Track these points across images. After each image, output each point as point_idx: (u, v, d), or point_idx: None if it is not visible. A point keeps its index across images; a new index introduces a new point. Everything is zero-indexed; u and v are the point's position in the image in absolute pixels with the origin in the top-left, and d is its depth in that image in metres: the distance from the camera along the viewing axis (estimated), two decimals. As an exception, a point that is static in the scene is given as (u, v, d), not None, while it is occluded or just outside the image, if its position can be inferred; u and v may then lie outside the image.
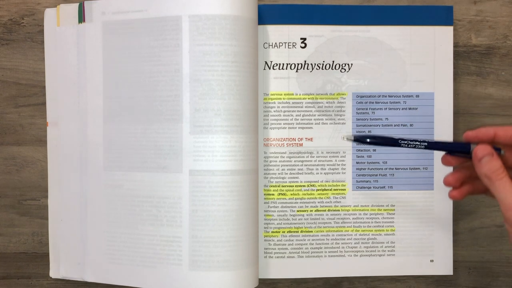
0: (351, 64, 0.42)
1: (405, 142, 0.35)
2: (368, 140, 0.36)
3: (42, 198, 0.43)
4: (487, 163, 0.34)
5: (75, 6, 0.41)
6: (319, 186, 0.42)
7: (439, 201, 0.42)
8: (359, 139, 0.36)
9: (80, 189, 0.42)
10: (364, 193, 0.42)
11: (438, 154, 0.42)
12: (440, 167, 0.42)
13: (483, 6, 0.43)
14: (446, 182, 0.37)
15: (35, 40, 0.43)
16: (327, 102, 0.42)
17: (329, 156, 0.42)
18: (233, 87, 0.38)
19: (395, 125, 0.42)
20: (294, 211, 0.42)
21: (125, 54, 0.40)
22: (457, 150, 0.36)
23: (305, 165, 0.42)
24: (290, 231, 0.42)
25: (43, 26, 0.43)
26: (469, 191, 0.38)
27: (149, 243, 0.40)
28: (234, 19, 0.38)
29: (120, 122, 0.40)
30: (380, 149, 0.42)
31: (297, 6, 0.42)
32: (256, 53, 0.40)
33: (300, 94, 0.42)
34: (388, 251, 0.42)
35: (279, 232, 0.42)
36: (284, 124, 0.42)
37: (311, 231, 0.42)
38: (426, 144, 0.35)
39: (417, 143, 0.35)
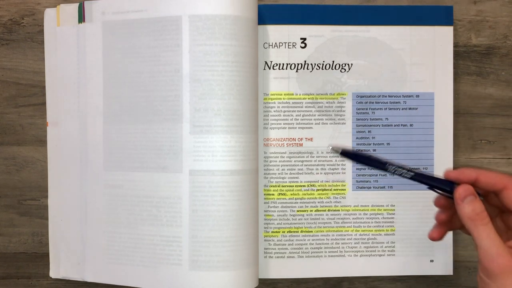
0: (351, 64, 0.42)
1: (393, 167, 0.35)
2: (354, 156, 0.36)
3: (42, 198, 0.43)
4: (470, 204, 0.33)
5: (75, 6, 0.41)
6: (319, 186, 0.42)
7: (439, 201, 0.42)
8: (346, 154, 0.35)
9: (80, 189, 0.42)
10: (364, 193, 0.42)
11: (438, 155, 0.42)
12: (440, 167, 0.42)
13: (483, 6, 0.43)
14: (439, 219, 0.37)
15: (35, 40, 0.43)
16: (327, 102, 0.42)
17: (329, 156, 0.42)
18: (233, 87, 0.38)
19: (395, 125, 0.42)
20: (294, 211, 0.42)
21: (125, 54, 0.40)
22: (441, 187, 0.35)
23: (305, 165, 0.42)
24: (290, 231, 0.42)
25: (43, 26, 0.43)
26: (447, 230, 0.37)
27: (149, 243, 0.40)
28: (234, 19, 0.38)
29: (120, 122, 0.40)
30: (380, 149, 0.42)
31: (297, 6, 0.42)
32: (256, 53, 0.40)
33: (300, 94, 0.42)
34: (388, 251, 0.42)
35: (279, 232, 0.42)
36: (284, 124, 0.42)
37: (311, 231, 0.42)
38: (412, 174, 0.35)
39: (404, 171, 0.35)
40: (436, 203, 0.37)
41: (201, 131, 0.38)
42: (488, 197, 0.35)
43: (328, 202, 0.42)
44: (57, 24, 0.42)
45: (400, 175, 0.35)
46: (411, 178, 0.35)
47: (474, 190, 0.34)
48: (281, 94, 0.42)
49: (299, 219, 0.42)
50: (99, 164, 0.41)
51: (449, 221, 0.37)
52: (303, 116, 0.42)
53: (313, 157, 0.42)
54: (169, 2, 0.38)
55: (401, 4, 0.43)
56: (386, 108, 0.42)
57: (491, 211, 0.35)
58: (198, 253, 0.38)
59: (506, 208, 0.34)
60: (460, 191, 0.33)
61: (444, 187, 0.35)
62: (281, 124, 0.42)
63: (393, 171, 0.35)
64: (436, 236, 0.37)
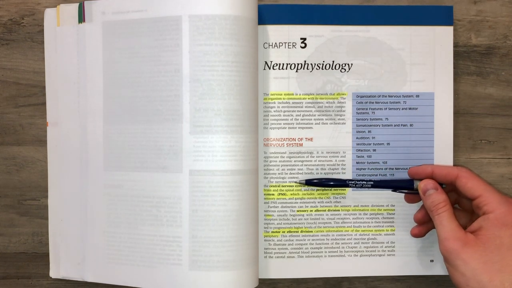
0: (351, 64, 0.42)
1: (353, 182, 0.40)
2: (318, 182, 0.40)
3: (42, 198, 0.43)
4: (429, 197, 0.37)
5: (75, 6, 0.41)
6: (319, 186, 0.42)
7: (439, 201, 0.42)
8: (311, 183, 0.40)
9: (80, 189, 0.42)
10: (364, 193, 0.42)
11: (438, 155, 0.42)
12: (440, 167, 0.42)
13: (483, 6, 0.43)
14: (415, 219, 0.40)
15: (35, 40, 0.43)
16: (327, 102, 0.42)
17: (329, 156, 0.42)
18: (233, 87, 0.38)
19: (395, 125, 0.42)
20: (294, 211, 0.42)
21: (125, 54, 0.40)
22: (402, 187, 0.39)
23: (305, 165, 0.42)
24: (290, 231, 0.42)
25: (43, 26, 0.43)
26: (429, 228, 0.40)
27: (149, 243, 0.40)
28: (234, 19, 0.38)
29: (120, 122, 0.40)
30: (380, 149, 0.42)
31: (297, 6, 0.42)
32: (256, 53, 0.40)
33: (300, 94, 0.42)
34: (388, 251, 0.42)
35: (279, 232, 0.42)
36: (284, 124, 0.42)
37: (311, 231, 0.42)
38: (372, 183, 0.39)
39: (363, 182, 0.39)
40: (407, 200, 0.41)
41: (201, 131, 0.38)
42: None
43: (328, 202, 0.42)
44: (57, 24, 0.42)
45: (361, 187, 0.39)
46: (372, 186, 0.39)
47: (437, 182, 0.37)
48: (281, 94, 0.42)
49: (299, 219, 0.42)
50: (99, 164, 0.41)
51: (427, 220, 0.40)
52: (303, 116, 0.42)
53: (313, 157, 0.42)
54: (169, 2, 0.38)
55: (401, 4, 0.43)
56: (386, 108, 0.42)
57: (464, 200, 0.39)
58: (198, 253, 0.38)
59: (462, 195, 0.37)
60: (422, 186, 0.38)
61: (404, 186, 0.39)
62: (281, 124, 0.42)
63: (354, 185, 0.40)
64: (416, 232, 0.40)
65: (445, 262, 0.35)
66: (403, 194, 0.41)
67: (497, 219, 0.34)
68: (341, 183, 0.40)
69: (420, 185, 0.38)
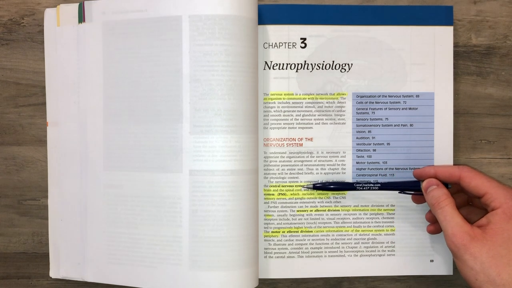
0: (351, 64, 0.42)
1: (360, 185, 0.40)
2: (326, 187, 0.41)
3: (42, 198, 0.43)
4: (430, 192, 0.37)
5: (75, 6, 0.41)
6: (319, 186, 0.42)
7: (439, 201, 0.42)
8: (318, 187, 0.41)
9: (80, 189, 0.42)
10: (364, 193, 0.42)
11: (438, 155, 0.42)
12: (440, 167, 0.42)
13: (483, 6, 0.43)
14: (427, 218, 0.41)
15: (35, 40, 0.43)
16: (327, 102, 0.42)
17: (329, 156, 0.42)
18: (233, 87, 0.38)
19: (395, 125, 0.42)
20: (294, 211, 0.42)
21: (125, 54, 0.40)
22: (409, 188, 0.40)
23: (305, 165, 0.42)
24: (290, 231, 0.42)
25: (43, 26, 0.43)
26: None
27: (149, 243, 0.40)
28: (234, 19, 0.38)
29: (120, 122, 0.40)
30: (380, 149, 0.42)
31: (297, 6, 0.42)
32: (256, 53, 0.40)
33: (300, 94, 0.42)
34: (388, 251, 0.42)
35: (279, 232, 0.42)
36: (284, 124, 0.42)
37: (311, 231, 0.42)
38: (379, 185, 0.40)
39: (371, 185, 0.40)
40: (414, 200, 0.42)
41: (201, 131, 0.38)
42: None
43: (328, 202, 0.42)
44: (57, 24, 0.42)
45: (369, 189, 0.40)
46: (379, 189, 0.40)
47: (439, 181, 0.38)
48: (281, 94, 0.42)
49: (299, 219, 0.42)
50: (99, 164, 0.41)
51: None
52: (303, 116, 0.42)
53: (313, 157, 0.42)
54: (169, 2, 0.38)
55: (401, 4, 0.43)
56: (386, 108, 0.42)
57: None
58: (198, 253, 0.38)
59: (469, 194, 0.38)
60: (424, 184, 0.38)
61: (411, 187, 0.40)
62: (281, 124, 0.42)
63: (361, 188, 0.40)
64: (432, 229, 0.41)
65: (453, 257, 0.36)
66: (404, 195, 0.42)
67: (505, 213, 0.34)
68: (348, 187, 0.40)
69: (423, 184, 0.39)
